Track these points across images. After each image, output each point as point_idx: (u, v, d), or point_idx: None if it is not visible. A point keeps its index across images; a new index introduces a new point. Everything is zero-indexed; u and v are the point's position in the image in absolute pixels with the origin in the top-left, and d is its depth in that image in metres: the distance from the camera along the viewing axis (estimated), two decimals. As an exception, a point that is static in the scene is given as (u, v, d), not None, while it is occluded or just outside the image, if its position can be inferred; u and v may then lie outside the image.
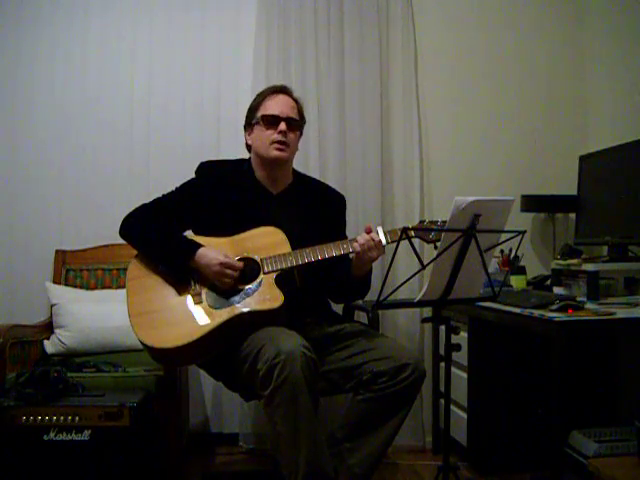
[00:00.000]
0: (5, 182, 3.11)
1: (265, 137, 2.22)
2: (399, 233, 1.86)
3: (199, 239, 2.14)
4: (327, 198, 2.38)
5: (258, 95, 2.32)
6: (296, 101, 2.31)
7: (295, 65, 3.11)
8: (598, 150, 2.83)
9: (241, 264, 2.06)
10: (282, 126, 2.21)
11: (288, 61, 3.11)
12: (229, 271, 2.03)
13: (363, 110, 3.12)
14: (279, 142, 2.21)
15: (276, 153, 2.22)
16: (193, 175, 2.30)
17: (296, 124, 2.27)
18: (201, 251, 2.07)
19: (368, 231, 2.06)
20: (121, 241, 2.23)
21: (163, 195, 2.25)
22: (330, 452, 1.97)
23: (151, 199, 2.25)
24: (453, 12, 3.27)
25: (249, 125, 2.29)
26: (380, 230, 2.07)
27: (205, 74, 3.19)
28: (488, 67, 3.28)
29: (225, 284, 2.04)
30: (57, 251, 3.07)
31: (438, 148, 3.24)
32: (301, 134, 2.34)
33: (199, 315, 2.02)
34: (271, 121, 2.22)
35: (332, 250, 2.07)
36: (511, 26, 3.29)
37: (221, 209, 2.20)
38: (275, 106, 2.24)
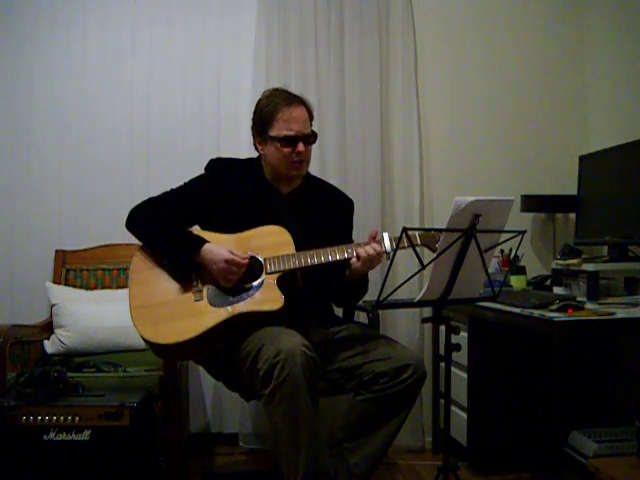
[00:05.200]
0: (5, 182, 3.11)
1: (282, 157, 2.17)
2: (404, 240, 1.85)
3: (205, 235, 2.14)
4: (336, 201, 2.37)
5: (269, 100, 2.21)
6: (309, 110, 2.23)
7: (295, 65, 3.10)
8: (598, 150, 2.83)
9: (246, 260, 2.05)
10: (300, 147, 2.16)
11: (288, 61, 3.11)
12: (234, 268, 2.02)
13: (363, 110, 3.12)
14: (297, 162, 2.19)
15: (295, 173, 2.22)
16: (194, 175, 2.29)
17: (312, 138, 2.22)
18: (207, 246, 2.06)
19: (374, 237, 2.06)
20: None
21: (171, 189, 2.24)
22: (330, 452, 1.97)
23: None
24: (453, 12, 3.27)
25: (260, 135, 2.22)
26: (386, 237, 2.06)
27: (205, 74, 3.18)
28: (488, 67, 3.28)
29: (228, 281, 2.04)
30: (57, 251, 3.06)
31: (438, 148, 3.24)
32: None
33: (199, 312, 2.02)
34: (288, 142, 2.16)
35: (336, 254, 2.06)
36: (511, 26, 3.29)
37: (229, 206, 2.19)
38: (291, 125, 2.15)
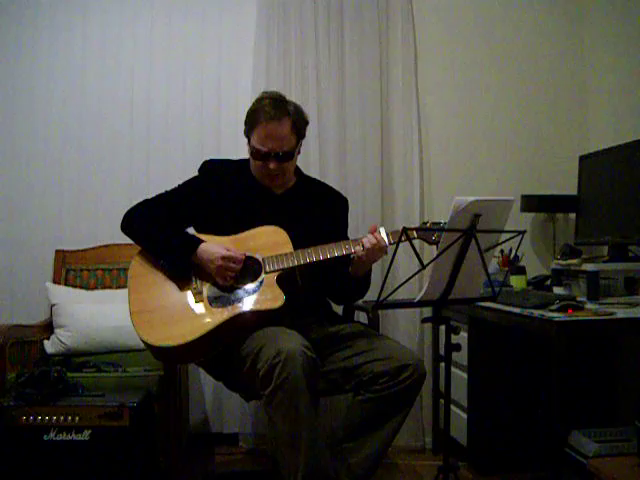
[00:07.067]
0: (5, 182, 3.11)
1: (258, 167, 2.20)
2: (400, 234, 1.86)
3: (201, 237, 2.14)
4: (330, 199, 2.37)
5: (253, 110, 2.18)
6: (292, 121, 2.15)
7: (295, 65, 3.10)
8: (598, 150, 2.83)
9: (243, 255, 2.05)
10: (271, 164, 2.15)
11: (288, 61, 3.10)
12: (232, 264, 2.02)
13: (363, 110, 3.12)
14: (271, 175, 2.19)
15: (269, 183, 2.23)
16: (194, 174, 2.29)
17: (289, 155, 2.17)
18: (203, 246, 2.06)
19: (373, 231, 2.06)
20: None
21: (166, 191, 2.25)
22: (330, 452, 1.97)
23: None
24: (453, 12, 3.27)
25: (247, 138, 2.23)
26: (382, 231, 2.07)
27: (205, 74, 3.18)
28: (488, 67, 3.28)
29: (226, 279, 2.04)
30: (57, 251, 3.07)
31: (438, 148, 3.24)
32: (299, 152, 2.25)
33: (200, 313, 2.02)
34: (260, 156, 2.16)
35: (334, 250, 2.06)
36: (511, 26, 3.29)
37: (224, 207, 2.20)
38: (265, 142, 2.12)
